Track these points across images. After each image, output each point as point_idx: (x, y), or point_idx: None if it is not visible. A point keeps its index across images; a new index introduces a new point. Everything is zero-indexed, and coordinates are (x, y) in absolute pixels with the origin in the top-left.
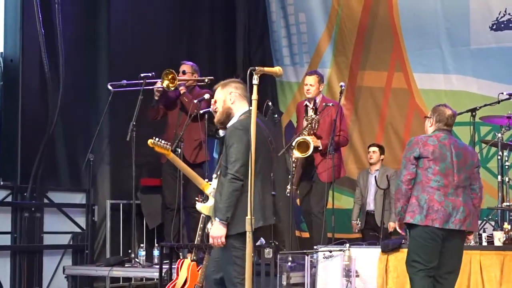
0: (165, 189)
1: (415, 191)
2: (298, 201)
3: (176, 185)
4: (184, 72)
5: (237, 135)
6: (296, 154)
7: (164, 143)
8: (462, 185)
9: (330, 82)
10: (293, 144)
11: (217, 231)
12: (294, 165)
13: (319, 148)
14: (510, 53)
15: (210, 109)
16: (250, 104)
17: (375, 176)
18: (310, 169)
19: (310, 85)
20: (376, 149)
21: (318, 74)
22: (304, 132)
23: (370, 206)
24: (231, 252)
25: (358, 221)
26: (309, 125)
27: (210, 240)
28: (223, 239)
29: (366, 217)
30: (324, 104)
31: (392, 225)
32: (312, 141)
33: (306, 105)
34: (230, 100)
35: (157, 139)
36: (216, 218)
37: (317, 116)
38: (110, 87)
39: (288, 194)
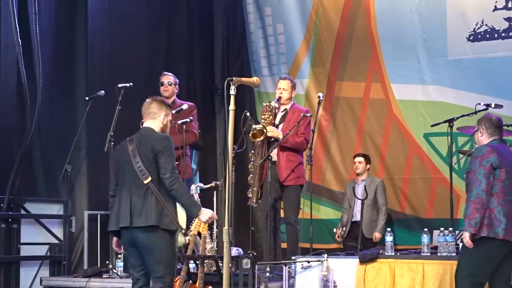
0: None
1: (490, 203)
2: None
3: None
4: (170, 83)
5: None
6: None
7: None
8: None
9: (308, 92)
10: (251, 129)
11: None
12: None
13: (278, 138)
14: (487, 64)
15: (188, 119)
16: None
17: (363, 186)
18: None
19: (283, 89)
20: (361, 159)
21: (291, 80)
22: (262, 122)
23: (357, 216)
24: None
25: (342, 230)
26: (269, 113)
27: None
28: None
29: (351, 227)
30: (302, 115)
31: (378, 236)
32: (270, 131)
33: (274, 107)
34: None
35: None
36: None
37: (276, 103)
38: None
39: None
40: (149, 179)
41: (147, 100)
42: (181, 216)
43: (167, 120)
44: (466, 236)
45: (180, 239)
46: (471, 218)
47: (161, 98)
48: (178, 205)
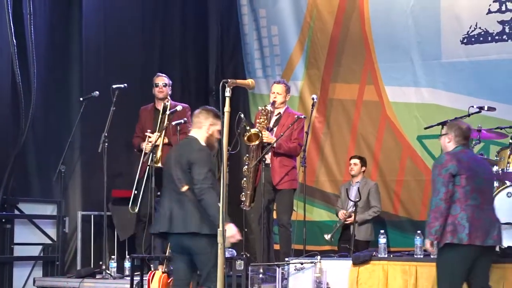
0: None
1: (453, 210)
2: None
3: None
4: (164, 85)
5: None
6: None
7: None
8: (492, 200)
9: (302, 94)
10: (246, 133)
11: None
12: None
13: (272, 144)
14: (480, 66)
15: (182, 120)
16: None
17: (357, 188)
18: (267, 175)
19: (277, 93)
20: (357, 161)
21: (286, 84)
22: (258, 126)
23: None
24: None
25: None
26: (265, 117)
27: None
28: None
29: (344, 229)
30: (296, 116)
31: (343, 214)
32: (265, 136)
33: (269, 111)
34: None
35: None
36: None
37: (271, 107)
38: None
39: (243, 206)
40: (186, 187)
41: (198, 110)
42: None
43: (213, 130)
44: (427, 243)
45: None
46: (431, 226)
47: (211, 108)
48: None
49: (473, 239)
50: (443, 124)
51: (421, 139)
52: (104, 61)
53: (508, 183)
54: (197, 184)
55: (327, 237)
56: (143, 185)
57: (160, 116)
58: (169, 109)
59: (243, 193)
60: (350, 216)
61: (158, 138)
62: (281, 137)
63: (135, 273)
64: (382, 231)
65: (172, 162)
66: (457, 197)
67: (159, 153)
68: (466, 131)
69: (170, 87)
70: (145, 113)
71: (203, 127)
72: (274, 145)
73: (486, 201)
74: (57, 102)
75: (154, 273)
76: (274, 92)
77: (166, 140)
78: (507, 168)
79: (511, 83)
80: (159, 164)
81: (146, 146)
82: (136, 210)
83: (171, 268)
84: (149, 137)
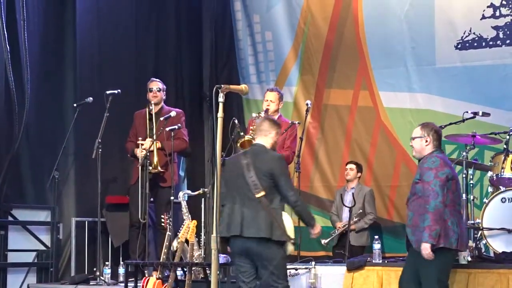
0: (132, 206)
1: (445, 215)
2: None
3: (143, 204)
4: (158, 90)
5: None
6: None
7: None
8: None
9: (296, 100)
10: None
11: None
12: None
13: None
14: (475, 72)
15: (176, 126)
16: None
17: (352, 194)
18: None
19: (271, 101)
20: (353, 166)
21: (279, 91)
22: (251, 133)
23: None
24: None
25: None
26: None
27: None
28: None
29: (340, 235)
30: (290, 122)
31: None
32: None
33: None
34: None
35: None
36: None
37: (264, 115)
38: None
39: None
40: (262, 193)
41: (260, 118)
42: (289, 227)
43: (276, 138)
44: (428, 247)
45: (290, 248)
46: (432, 229)
47: (272, 118)
48: (284, 217)
49: (460, 245)
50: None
51: None
52: (98, 67)
53: (502, 188)
54: (290, 191)
55: (324, 242)
56: (136, 191)
57: (148, 121)
58: (163, 115)
59: None
60: (345, 226)
61: (152, 144)
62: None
63: (129, 279)
64: (376, 236)
65: (243, 168)
66: (448, 201)
67: (155, 159)
68: (440, 134)
69: (164, 92)
70: (139, 118)
71: (269, 135)
72: None
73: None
74: (50, 108)
75: (148, 280)
76: (267, 100)
77: (159, 145)
78: (502, 174)
79: (505, 88)
80: (158, 169)
81: (140, 154)
82: (142, 218)
83: (165, 274)
84: (142, 144)
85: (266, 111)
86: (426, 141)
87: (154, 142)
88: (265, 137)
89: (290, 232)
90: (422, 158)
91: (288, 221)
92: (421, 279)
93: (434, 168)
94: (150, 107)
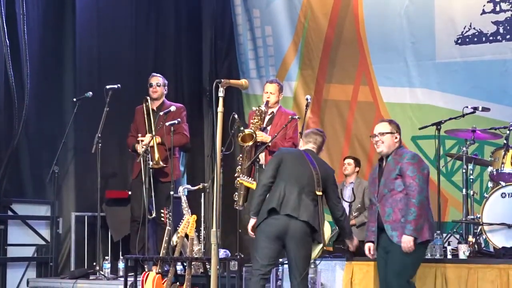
0: (134, 201)
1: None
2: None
3: (145, 199)
4: (158, 85)
5: None
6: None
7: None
8: None
9: (296, 95)
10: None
11: None
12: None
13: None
14: (474, 67)
15: (176, 121)
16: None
17: (351, 189)
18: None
19: (271, 93)
20: (351, 161)
21: (279, 83)
22: (252, 126)
23: None
24: None
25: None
26: (258, 117)
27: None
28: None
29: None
30: (290, 117)
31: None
32: (259, 135)
33: (263, 111)
34: None
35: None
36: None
37: (264, 107)
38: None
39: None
40: (321, 193)
41: (313, 130)
42: (327, 235)
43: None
44: (411, 240)
45: (317, 251)
46: (417, 223)
47: (324, 134)
48: (325, 223)
49: (432, 236)
50: (437, 124)
51: (415, 139)
52: (98, 62)
53: (502, 183)
54: (339, 203)
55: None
56: (137, 186)
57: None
58: (164, 110)
59: (236, 193)
60: None
61: (151, 139)
62: (275, 137)
63: (129, 274)
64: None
65: (308, 162)
66: (427, 196)
67: (156, 155)
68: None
69: (165, 87)
70: (140, 113)
71: (319, 150)
72: (270, 144)
73: None
74: (50, 103)
75: (148, 274)
76: (267, 92)
77: (159, 140)
78: (502, 169)
79: (505, 83)
80: (160, 165)
81: (140, 149)
82: (154, 214)
83: (165, 269)
84: (142, 140)
85: (267, 103)
86: (396, 137)
87: (154, 137)
88: (315, 149)
89: (326, 237)
90: (391, 153)
91: (328, 229)
92: (389, 276)
93: (415, 163)
94: (147, 103)
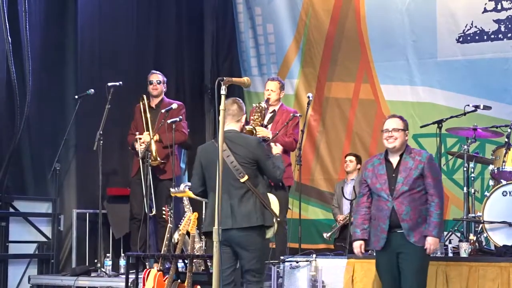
0: (133, 199)
1: None
2: None
3: (145, 196)
4: (158, 82)
5: None
6: None
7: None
8: None
9: (297, 93)
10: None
11: None
12: None
13: (268, 138)
14: (476, 65)
15: (177, 119)
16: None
17: (352, 186)
18: None
19: (272, 90)
20: (352, 158)
21: (280, 81)
22: (252, 123)
23: None
24: None
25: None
26: (259, 114)
27: None
28: None
29: (341, 228)
30: (291, 115)
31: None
32: (260, 131)
33: (263, 108)
34: None
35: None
36: None
37: (265, 104)
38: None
39: None
40: (246, 177)
41: (229, 100)
42: (275, 205)
43: (243, 121)
44: (437, 241)
45: (273, 231)
46: (442, 224)
47: (239, 100)
48: (269, 195)
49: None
50: (438, 122)
51: (416, 137)
52: (99, 59)
53: (503, 182)
54: (276, 171)
55: (326, 235)
56: (136, 184)
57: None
58: (164, 107)
59: None
60: (346, 218)
61: (149, 137)
62: (277, 134)
63: (130, 271)
64: None
65: (233, 149)
66: None
67: (154, 151)
68: None
69: (164, 85)
70: (139, 111)
71: (240, 120)
72: (271, 139)
73: None
74: (52, 100)
75: (149, 271)
76: (268, 89)
77: (157, 137)
78: (503, 167)
79: (506, 81)
80: (158, 161)
81: (139, 148)
82: (154, 212)
83: (166, 266)
84: (140, 138)
85: (267, 100)
86: (407, 135)
87: (151, 135)
88: (236, 123)
89: (276, 209)
90: (404, 151)
91: (274, 199)
92: (409, 276)
93: (436, 164)
94: (143, 101)
